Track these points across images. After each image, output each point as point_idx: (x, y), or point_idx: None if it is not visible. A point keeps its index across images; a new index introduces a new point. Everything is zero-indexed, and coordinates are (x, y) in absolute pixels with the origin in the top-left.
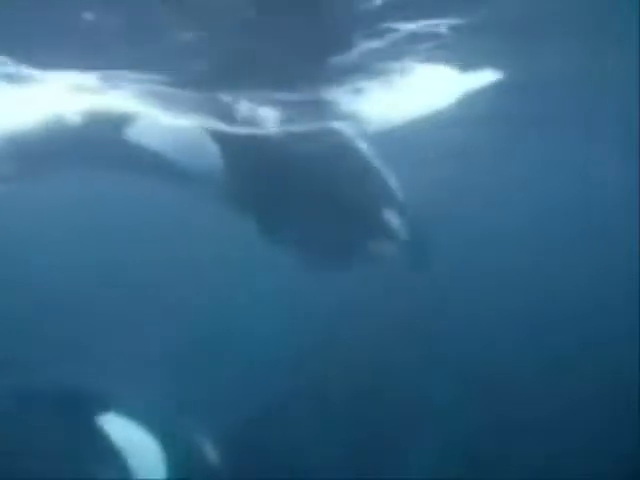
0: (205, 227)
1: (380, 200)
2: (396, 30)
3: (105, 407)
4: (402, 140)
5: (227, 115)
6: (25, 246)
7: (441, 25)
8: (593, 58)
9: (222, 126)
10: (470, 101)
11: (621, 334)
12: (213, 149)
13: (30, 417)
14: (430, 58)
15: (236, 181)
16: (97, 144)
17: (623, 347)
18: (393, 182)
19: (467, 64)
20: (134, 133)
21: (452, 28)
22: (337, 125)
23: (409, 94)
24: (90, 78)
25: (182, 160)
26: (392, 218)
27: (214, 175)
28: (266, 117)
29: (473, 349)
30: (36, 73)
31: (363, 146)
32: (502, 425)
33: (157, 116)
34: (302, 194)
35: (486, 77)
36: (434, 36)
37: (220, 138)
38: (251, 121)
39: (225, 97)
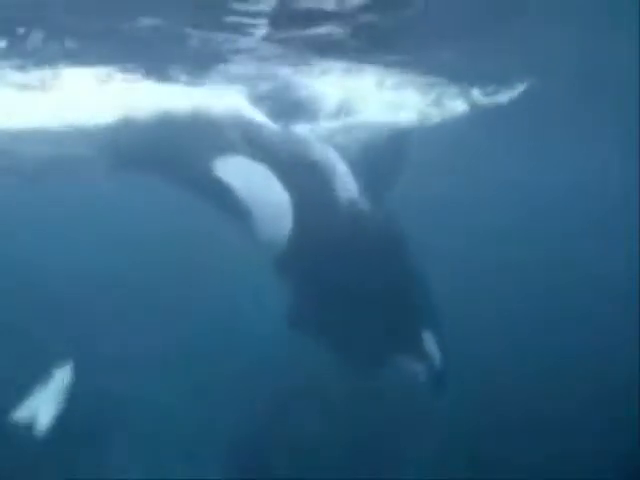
0: (207, 227)
1: (421, 318)
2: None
3: (105, 407)
4: (412, 139)
5: None
6: (27, 246)
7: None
8: (594, 58)
9: None
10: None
11: (621, 334)
12: (288, 211)
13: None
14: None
15: (297, 248)
16: (187, 160)
17: (623, 347)
18: (434, 299)
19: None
20: (221, 167)
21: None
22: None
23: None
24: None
25: (255, 211)
26: (428, 340)
27: (279, 237)
28: None
29: (473, 349)
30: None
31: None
32: (502, 425)
33: (247, 159)
34: (350, 285)
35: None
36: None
37: (298, 202)
38: None
39: None
